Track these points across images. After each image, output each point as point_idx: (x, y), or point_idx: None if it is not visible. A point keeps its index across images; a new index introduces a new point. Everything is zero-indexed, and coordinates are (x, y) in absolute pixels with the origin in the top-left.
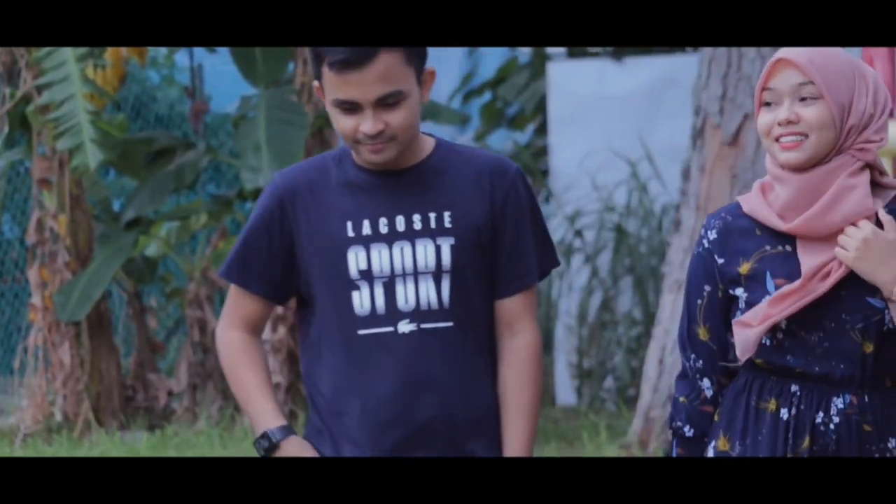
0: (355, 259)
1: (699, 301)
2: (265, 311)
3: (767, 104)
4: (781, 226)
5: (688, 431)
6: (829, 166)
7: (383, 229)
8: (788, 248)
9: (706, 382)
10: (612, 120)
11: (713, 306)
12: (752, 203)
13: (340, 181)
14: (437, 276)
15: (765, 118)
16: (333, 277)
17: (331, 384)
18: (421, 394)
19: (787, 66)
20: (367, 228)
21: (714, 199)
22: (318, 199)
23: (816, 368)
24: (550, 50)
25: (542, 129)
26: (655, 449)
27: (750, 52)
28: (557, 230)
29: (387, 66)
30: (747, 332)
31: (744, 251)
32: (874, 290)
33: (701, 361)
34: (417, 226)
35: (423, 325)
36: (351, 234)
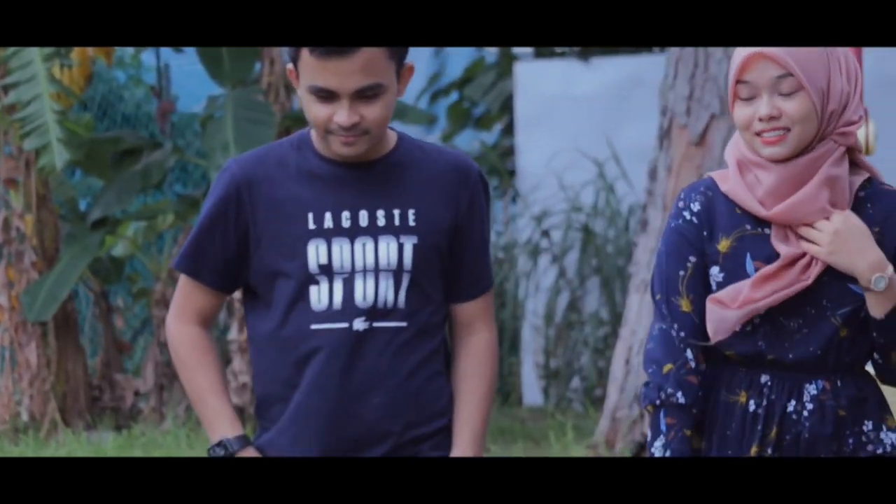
0: (316, 253)
1: (682, 272)
2: (217, 303)
3: (743, 98)
4: (762, 212)
5: (680, 398)
6: (813, 155)
7: (346, 223)
8: (768, 231)
9: (689, 353)
10: (578, 120)
11: (696, 278)
12: (731, 184)
13: (301, 170)
14: (397, 274)
15: (743, 112)
16: (292, 270)
17: (279, 380)
18: (370, 393)
19: (763, 59)
20: (328, 221)
21: None
22: (277, 187)
23: (791, 355)
24: (517, 50)
25: (508, 130)
26: (622, 449)
27: (717, 52)
28: (524, 230)
29: (369, 58)
30: (724, 312)
31: (724, 227)
32: (853, 277)
33: (683, 332)
34: (381, 222)
35: (377, 324)
36: (312, 226)
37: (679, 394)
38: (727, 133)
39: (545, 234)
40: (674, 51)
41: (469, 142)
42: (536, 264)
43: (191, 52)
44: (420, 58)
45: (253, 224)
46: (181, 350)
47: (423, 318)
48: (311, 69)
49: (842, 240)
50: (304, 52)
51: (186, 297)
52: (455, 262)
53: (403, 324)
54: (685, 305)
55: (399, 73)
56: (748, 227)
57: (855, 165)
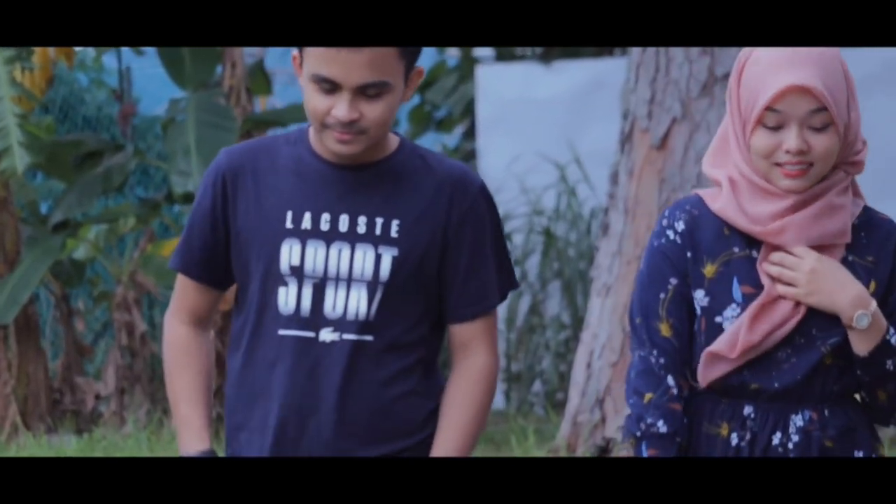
0: (289, 253)
1: (662, 295)
2: (212, 300)
3: (769, 126)
4: (755, 229)
5: (661, 427)
6: (824, 184)
7: (324, 226)
8: (756, 254)
9: (671, 380)
10: (540, 123)
11: (677, 301)
12: (722, 202)
13: (289, 165)
14: (371, 286)
15: (767, 141)
16: (264, 269)
17: (240, 386)
18: (332, 408)
19: (801, 91)
20: (307, 222)
21: (642, 203)
22: (262, 181)
23: (776, 385)
24: (478, 53)
25: (470, 133)
26: (583, 453)
27: (678, 56)
28: None
29: (380, 53)
30: (722, 366)
31: (710, 251)
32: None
33: (663, 359)
34: (361, 229)
35: (346, 337)
36: (289, 225)
37: (661, 423)
38: (688, 137)
39: (507, 237)
40: (635, 54)
41: (430, 145)
42: None
43: (152, 55)
44: None
45: (234, 216)
46: (167, 351)
47: (394, 333)
48: (317, 57)
49: (819, 279)
50: None
51: (179, 293)
52: (445, 280)
53: (369, 338)
54: (665, 330)
55: (408, 75)
56: (736, 249)
57: (853, 194)
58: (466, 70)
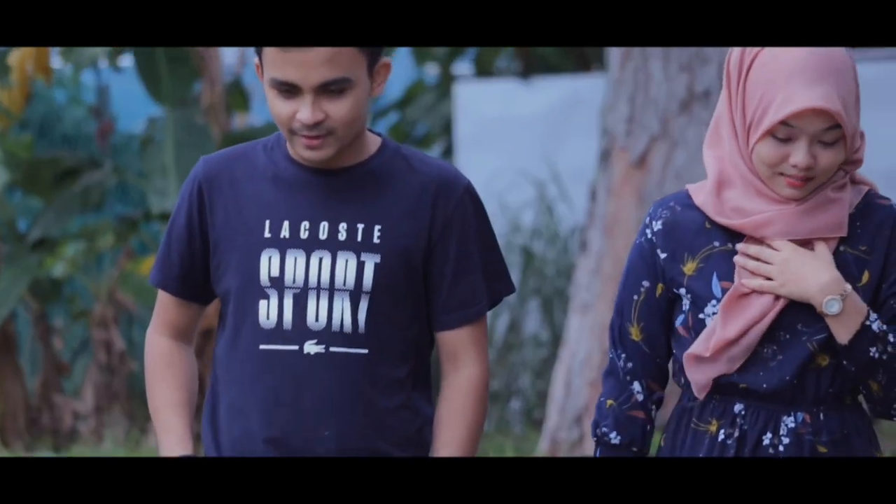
0: (268, 263)
1: (635, 297)
2: (192, 314)
3: (779, 137)
4: (737, 222)
5: (614, 438)
6: (824, 186)
7: (303, 234)
8: (738, 247)
9: (637, 386)
10: (519, 141)
11: (650, 305)
12: (705, 195)
13: (266, 173)
14: (354, 295)
15: (775, 151)
16: (243, 281)
17: (224, 405)
18: (322, 425)
19: (819, 112)
20: (285, 230)
21: (621, 221)
22: (239, 190)
23: (765, 385)
24: (457, 71)
25: (449, 150)
26: None
27: (657, 74)
28: None
29: (335, 49)
30: (704, 369)
31: (690, 247)
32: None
33: (631, 363)
34: (342, 236)
35: (333, 349)
36: (267, 234)
37: (613, 433)
38: (667, 155)
39: None
40: (613, 72)
41: None
42: None
43: (130, 72)
44: None
45: (212, 227)
46: (149, 363)
47: (388, 344)
48: (273, 61)
49: (791, 268)
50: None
51: (159, 308)
52: (431, 285)
53: (363, 350)
54: (635, 334)
55: (372, 70)
56: (717, 244)
57: (853, 183)
58: (445, 88)
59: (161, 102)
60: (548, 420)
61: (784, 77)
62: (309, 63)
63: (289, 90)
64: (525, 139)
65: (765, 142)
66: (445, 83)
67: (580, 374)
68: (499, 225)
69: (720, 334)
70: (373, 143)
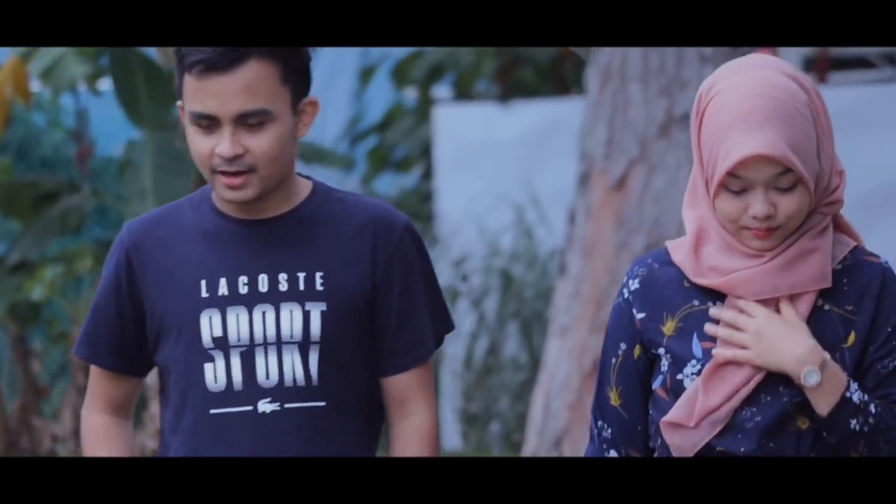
0: (209, 324)
1: (613, 360)
2: (129, 388)
3: (733, 191)
4: (715, 281)
5: None
6: (798, 232)
7: (243, 289)
8: (720, 305)
9: (613, 454)
10: (497, 164)
11: (627, 368)
12: (683, 254)
13: (196, 230)
14: (303, 347)
15: (732, 206)
16: (184, 346)
17: None
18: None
19: (764, 158)
20: (223, 288)
21: (600, 245)
22: (168, 251)
23: (742, 449)
24: (436, 94)
25: (428, 174)
26: None
27: (636, 97)
28: (443, 275)
29: (255, 77)
30: (687, 436)
31: (668, 306)
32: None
33: (610, 430)
34: (283, 287)
35: (288, 405)
36: (205, 294)
37: None
38: (646, 178)
39: (464, 278)
40: (592, 95)
41: (389, 186)
42: (455, 309)
43: (109, 95)
44: (339, 101)
45: (145, 294)
46: (85, 440)
47: (343, 395)
48: (192, 93)
49: (766, 339)
50: (187, 77)
51: (93, 384)
52: (377, 329)
53: (321, 403)
54: (613, 398)
55: (297, 107)
56: (696, 302)
57: (840, 232)
58: (424, 111)
59: (140, 125)
60: (527, 443)
61: (727, 127)
62: (226, 91)
63: (208, 125)
64: (504, 162)
65: (721, 197)
66: (424, 107)
67: (559, 396)
68: (478, 248)
69: (703, 403)
70: (303, 187)
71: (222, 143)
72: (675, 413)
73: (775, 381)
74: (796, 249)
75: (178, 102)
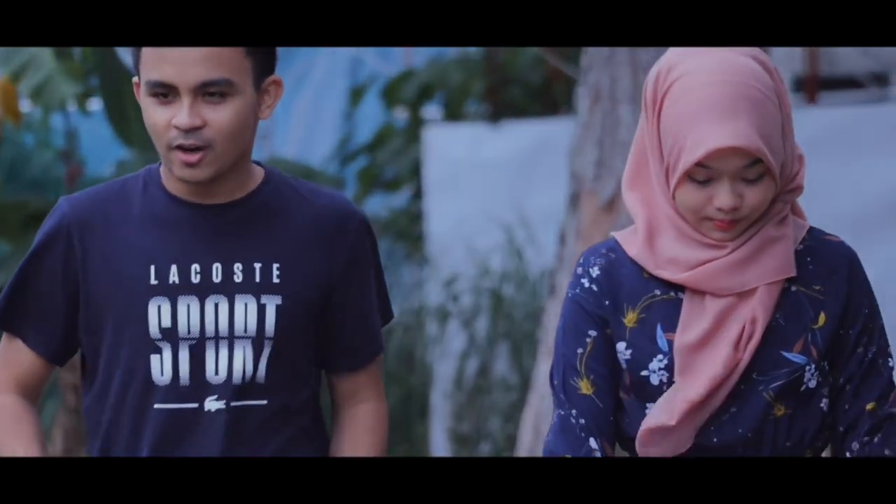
0: (157, 313)
1: (580, 350)
2: (44, 372)
3: (698, 180)
4: (675, 276)
5: None
6: (760, 220)
7: (195, 278)
8: (681, 295)
9: (594, 443)
10: (487, 184)
11: (599, 355)
12: (638, 247)
13: (145, 213)
14: (257, 342)
15: (696, 196)
16: (128, 335)
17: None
18: None
19: (735, 151)
20: (174, 275)
21: None
22: (115, 233)
23: (715, 439)
24: (426, 115)
25: (418, 194)
26: None
27: (625, 117)
28: (433, 295)
29: (217, 49)
30: (671, 439)
31: (629, 296)
32: (789, 344)
33: (584, 419)
34: (238, 278)
35: (234, 403)
36: (154, 281)
37: None
38: None
39: (454, 298)
40: (582, 115)
41: (378, 206)
42: (445, 329)
43: (99, 115)
44: (329, 122)
45: (83, 278)
46: None
47: (290, 394)
48: (150, 62)
49: None
50: (144, 48)
51: (7, 358)
52: (331, 326)
53: (262, 402)
54: (584, 387)
55: (260, 84)
56: (658, 292)
57: (794, 214)
58: (414, 131)
59: (130, 145)
60: None
61: (693, 115)
62: (187, 60)
63: (165, 94)
64: (494, 182)
65: (684, 187)
66: (414, 127)
67: (549, 418)
68: (468, 268)
69: (684, 395)
70: (256, 173)
71: (180, 114)
72: (654, 416)
73: (748, 367)
74: (759, 240)
75: (134, 79)
